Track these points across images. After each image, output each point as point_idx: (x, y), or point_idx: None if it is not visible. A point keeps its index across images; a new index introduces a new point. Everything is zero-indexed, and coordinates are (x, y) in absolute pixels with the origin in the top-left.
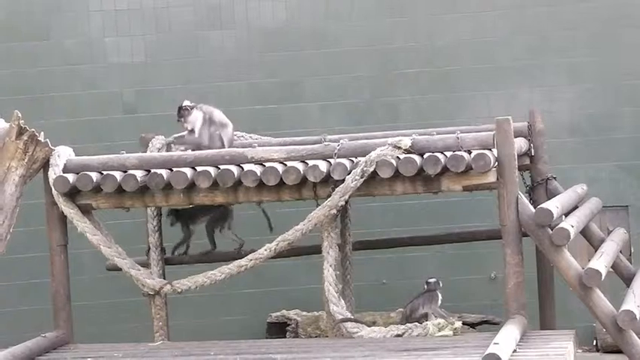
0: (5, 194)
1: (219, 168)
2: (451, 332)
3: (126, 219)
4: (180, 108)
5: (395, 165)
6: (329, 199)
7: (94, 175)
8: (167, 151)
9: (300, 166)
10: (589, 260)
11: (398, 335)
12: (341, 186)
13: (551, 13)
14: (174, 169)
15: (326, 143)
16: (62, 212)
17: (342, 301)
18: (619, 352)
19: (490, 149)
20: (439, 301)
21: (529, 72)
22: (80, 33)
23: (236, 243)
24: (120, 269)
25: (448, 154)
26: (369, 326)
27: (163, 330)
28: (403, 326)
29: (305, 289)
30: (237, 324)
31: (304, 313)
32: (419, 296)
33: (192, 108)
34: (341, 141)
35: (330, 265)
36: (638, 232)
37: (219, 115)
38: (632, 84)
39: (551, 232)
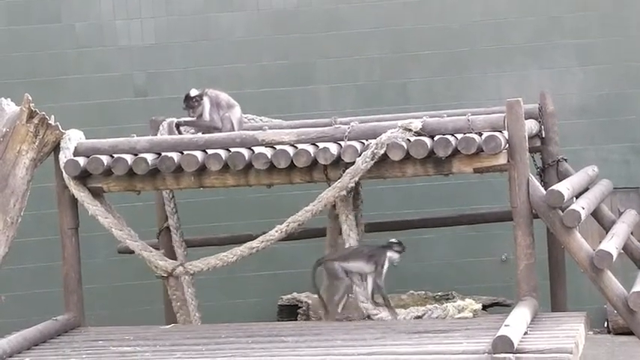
0: (16, 178)
1: (229, 151)
2: (471, 314)
3: (136, 202)
4: (189, 98)
5: (405, 147)
6: (339, 181)
7: (105, 159)
8: (170, 132)
9: (310, 148)
10: (600, 242)
11: (418, 317)
12: (351, 167)
13: None
14: (185, 152)
15: (336, 125)
16: (73, 195)
17: (365, 283)
18: (630, 333)
19: (501, 131)
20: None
21: (540, 53)
22: (91, 16)
23: None
24: (131, 252)
25: (459, 136)
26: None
27: (183, 310)
28: (423, 308)
29: None
30: (249, 307)
31: (315, 295)
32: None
33: (200, 97)
34: (351, 123)
35: None
36: None
37: (225, 97)
38: None
39: (562, 213)
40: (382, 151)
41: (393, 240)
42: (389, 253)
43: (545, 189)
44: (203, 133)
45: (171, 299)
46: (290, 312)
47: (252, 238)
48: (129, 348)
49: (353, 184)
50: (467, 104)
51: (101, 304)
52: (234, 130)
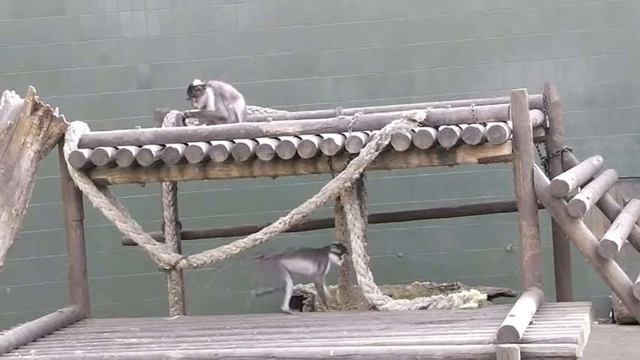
0: (21, 170)
1: (234, 142)
2: (476, 304)
3: (141, 194)
4: (192, 88)
5: (410, 138)
6: (343, 172)
7: (109, 150)
8: (178, 125)
9: (315, 139)
10: (605, 232)
11: (423, 307)
12: (355, 158)
13: None
14: (190, 144)
15: (341, 116)
16: (77, 187)
17: (370, 273)
18: (635, 323)
19: (505, 121)
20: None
21: (544, 43)
22: (95, 8)
23: None
24: (136, 244)
25: (463, 126)
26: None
27: (179, 305)
28: (428, 298)
29: None
30: (254, 298)
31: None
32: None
33: (203, 87)
34: (356, 114)
35: (358, 237)
36: None
37: (229, 88)
38: None
39: (566, 203)
40: (386, 142)
41: (335, 242)
42: (330, 255)
43: (550, 179)
44: (208, 124)
45: (170, 292)
46: (295, 303)
47: (256, 229)
48: (134, 339)
49: (357, 175)
50: (471, 95)
51: (106, 295)
52: (238, 122)
